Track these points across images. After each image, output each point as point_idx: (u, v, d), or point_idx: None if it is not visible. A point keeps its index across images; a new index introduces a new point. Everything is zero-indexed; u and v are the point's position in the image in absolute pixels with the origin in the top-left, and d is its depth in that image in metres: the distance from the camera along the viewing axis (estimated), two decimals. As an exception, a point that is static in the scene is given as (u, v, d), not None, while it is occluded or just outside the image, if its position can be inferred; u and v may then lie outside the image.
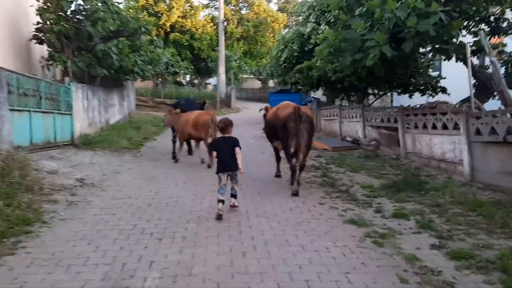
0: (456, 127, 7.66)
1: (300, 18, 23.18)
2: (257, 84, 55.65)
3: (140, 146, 12.95)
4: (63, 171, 7.99)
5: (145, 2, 40.17)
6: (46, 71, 13.28)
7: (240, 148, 5.82)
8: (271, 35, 46.46)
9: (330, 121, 15.98)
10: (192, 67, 39.96)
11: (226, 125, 5.98)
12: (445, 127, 8.03)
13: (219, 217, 5.48)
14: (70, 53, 13.45)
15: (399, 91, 14.87)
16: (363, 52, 8.71)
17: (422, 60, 13.21)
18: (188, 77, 52.56)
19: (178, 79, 47.09)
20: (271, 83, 54.67)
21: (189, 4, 43.73)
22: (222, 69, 35.85)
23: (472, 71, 11.21)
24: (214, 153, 5.88)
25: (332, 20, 21.69)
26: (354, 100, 16.41)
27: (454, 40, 8.38)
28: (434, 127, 8.40)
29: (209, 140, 9.20)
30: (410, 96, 14.96)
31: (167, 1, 41.59)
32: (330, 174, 8.66)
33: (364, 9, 8.87)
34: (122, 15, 14.69)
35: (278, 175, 8.40)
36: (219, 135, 6.50)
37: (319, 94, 25.58)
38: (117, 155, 11.12)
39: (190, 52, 41.22)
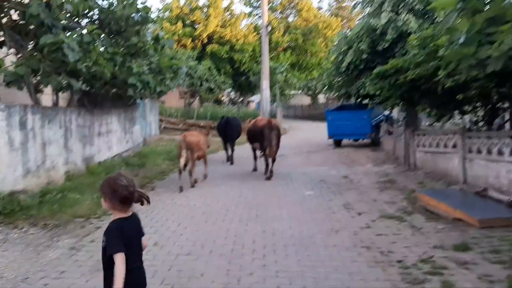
0: None
1: (369, 8, 17.22)
2: (306, 100, 49.72)
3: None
4: None
5: (180, 11, 35.81)
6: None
7: None
8: (323, 43, 40.48)
9: (437, 155, 9.73)
10: (231, 82, 34.78)
11: None
12: None
13: None
14: (26, 53, 8.53)
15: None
16: None
17: None
18: (232, 94, 47.67)
19: (221, 97, 42.15)
20: (321, 98, 48.43)
21: (229, 12, 38.95)
22: (265, 84, 30.16)
23: None
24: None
25: (417, 7, 15.66)
26: (476, 120, 10.10)
27: None
28: None
29: (182, 161, 9.00)
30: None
31: (205, 10, 37.02)
32: None
33: None
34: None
35: (255, 169, 11.47)
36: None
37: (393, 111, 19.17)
38: (47, 239, 5.64)
39: (230, 66, 36.25)
